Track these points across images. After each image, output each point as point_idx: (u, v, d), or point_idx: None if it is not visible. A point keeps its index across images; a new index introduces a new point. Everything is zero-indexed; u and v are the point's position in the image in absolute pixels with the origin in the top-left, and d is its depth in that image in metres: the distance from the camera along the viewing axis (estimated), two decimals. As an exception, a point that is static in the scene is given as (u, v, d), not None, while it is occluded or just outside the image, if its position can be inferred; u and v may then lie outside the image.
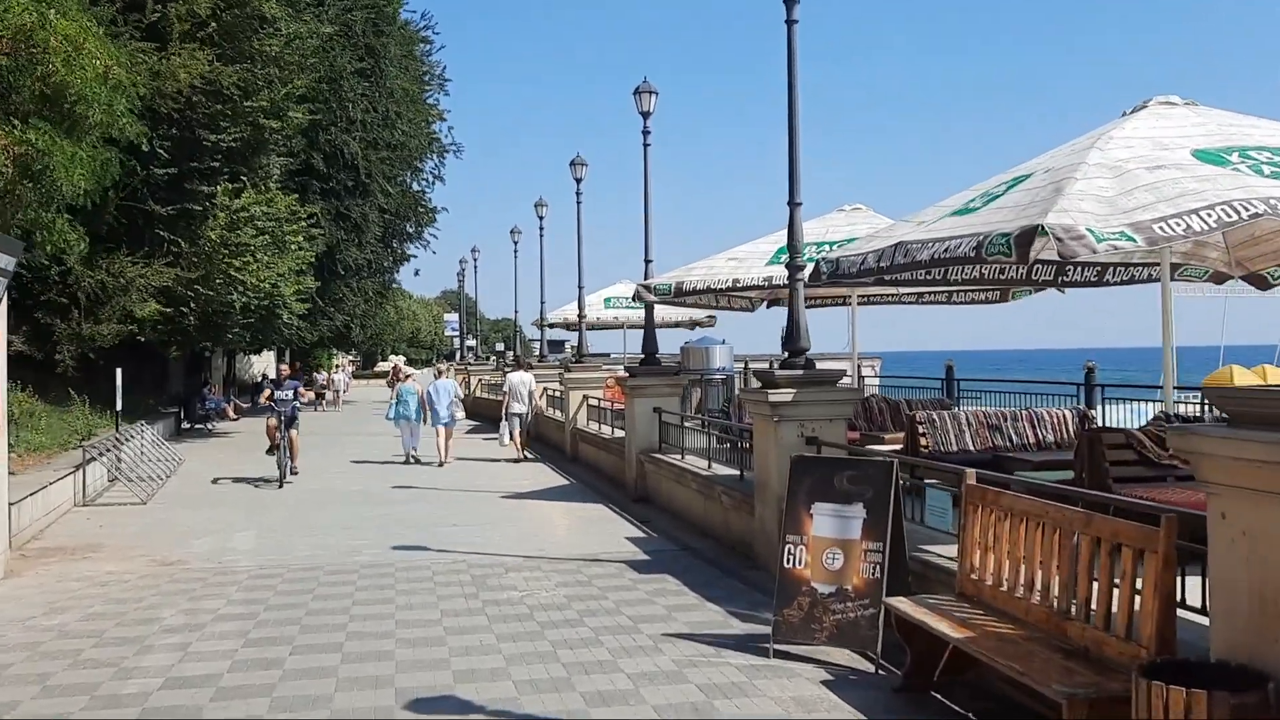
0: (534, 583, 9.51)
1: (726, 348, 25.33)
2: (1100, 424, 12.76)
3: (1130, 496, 6.75)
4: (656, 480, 14.37)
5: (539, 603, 8.72)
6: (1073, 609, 5.16)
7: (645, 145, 15.23)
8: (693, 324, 27.82)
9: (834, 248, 13.85)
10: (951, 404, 15.53)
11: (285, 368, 22.88)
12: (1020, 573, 5.54)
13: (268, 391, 18.21)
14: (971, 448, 12.05)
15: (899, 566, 6.73)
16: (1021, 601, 5.54)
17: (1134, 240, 6.64)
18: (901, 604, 6.06)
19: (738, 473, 11.64)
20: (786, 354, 9.69)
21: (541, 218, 26.40)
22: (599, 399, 20.25)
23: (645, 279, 14.73)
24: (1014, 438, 12.27)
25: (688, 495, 12.82)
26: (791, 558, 6.98)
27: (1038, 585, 5.43)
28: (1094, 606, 5.01)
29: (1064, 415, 12.41)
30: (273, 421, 17.39)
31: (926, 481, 8.31)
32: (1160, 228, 6.61)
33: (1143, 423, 15.45)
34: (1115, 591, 4.84)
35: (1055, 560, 5.28)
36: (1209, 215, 6.55)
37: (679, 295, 14.05)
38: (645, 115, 15.16)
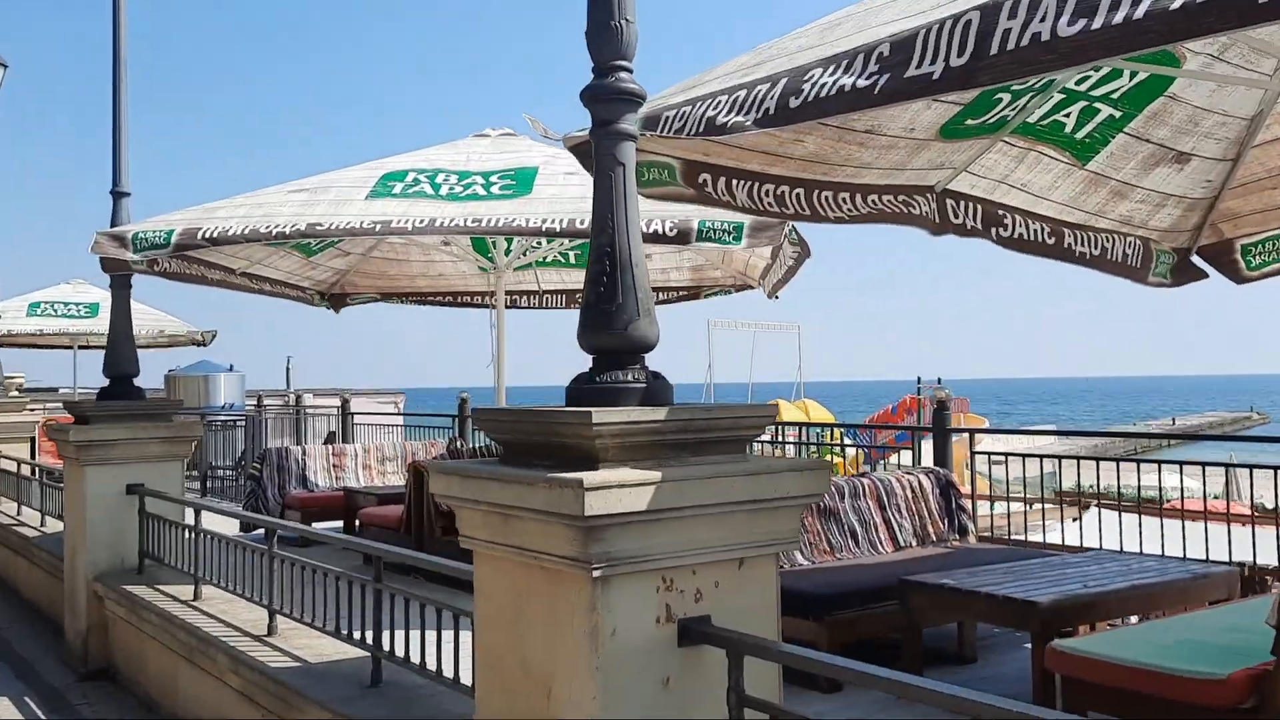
0: None
1: (236, 377, 17.59)
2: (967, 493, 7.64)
3: None
4: (136, 642, 6.90)
5: None
6: None
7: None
8: (172, 341, 19.12)
9: (496, 179, 8.05)
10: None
11: None
12: None
13: None
14: (801, 557, 6.39)
15: None
16: None
17: None
18: None
19: (363, 649, 4.81)
20: (592, 358, 3.23)
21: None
22: (18, 461, 11.84)
23: (114, 224, 7.29)
24: (855, 528, 6.81)
25: (217, 695, 5.67)
26: None
27: None
28: None
29: (919, 483, 7.19)
30: None
31: None
32: None
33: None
34: None
35: None
36: None
37: (183, 251, 6.88)
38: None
